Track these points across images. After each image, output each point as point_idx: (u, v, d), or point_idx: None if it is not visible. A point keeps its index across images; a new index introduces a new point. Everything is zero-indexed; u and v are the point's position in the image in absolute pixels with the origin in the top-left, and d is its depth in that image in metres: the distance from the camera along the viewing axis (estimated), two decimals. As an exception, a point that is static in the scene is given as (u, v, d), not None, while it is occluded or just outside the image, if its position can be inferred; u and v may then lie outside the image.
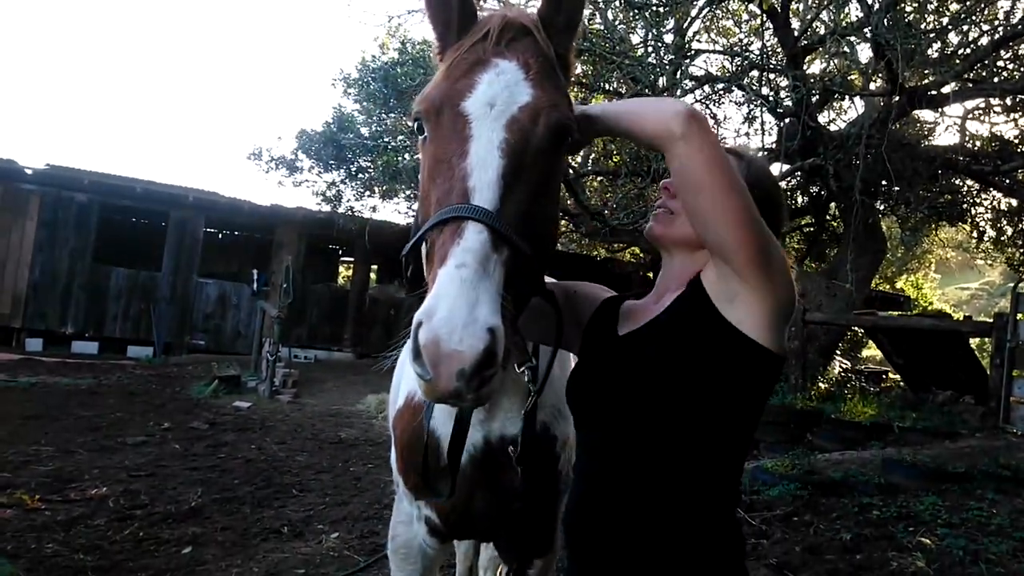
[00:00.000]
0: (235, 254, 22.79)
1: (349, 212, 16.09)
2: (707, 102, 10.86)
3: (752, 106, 10.19)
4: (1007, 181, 12.47)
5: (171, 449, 7.49)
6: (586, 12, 9.86)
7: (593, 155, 12.91)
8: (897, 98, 9.42)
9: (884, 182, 10.09)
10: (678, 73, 9.40)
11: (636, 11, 9.70)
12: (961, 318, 16.82)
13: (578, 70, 10.57)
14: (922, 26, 9.45)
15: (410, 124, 1.56)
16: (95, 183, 16.25)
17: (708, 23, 12.41)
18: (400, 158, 11.90)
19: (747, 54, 10.25)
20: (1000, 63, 10.37)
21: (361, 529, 5.40)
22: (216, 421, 9.13)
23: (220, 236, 22.65)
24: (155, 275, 17.07)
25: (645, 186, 10.33)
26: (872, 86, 11.31)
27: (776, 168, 10.22)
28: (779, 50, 10.24)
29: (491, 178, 1.28)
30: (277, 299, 14.90)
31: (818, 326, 11.65)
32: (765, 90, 10.17)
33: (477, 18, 1.51)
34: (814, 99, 10.24)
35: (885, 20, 8.08)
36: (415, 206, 1.59)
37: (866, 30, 8.67)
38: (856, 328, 16.50)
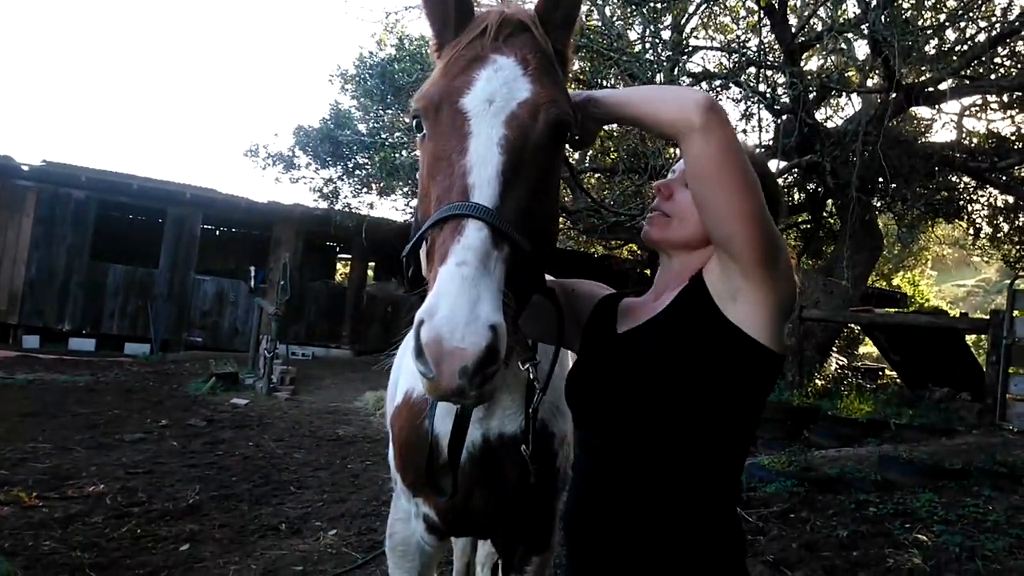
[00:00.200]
0: (233, 251, 22.77)
1: (346, 209, 16.07)
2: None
3: (749, 103, 10.19)
4: (1004, 178, 12.49)
5: (169, 446, 7.48)
6: (584, 8, 9.86)
7: (591, 152, 12.89)
8: (894, 95, 9.43)
9: (881, 179, 10.09)
10: (675, 69, 9.40)
11: (634, 7, 9.70)
12: (957, 315, 16.87)
13: (576, 66, 10.55)
14: (919, 23, 9.45)
15: (408, 120, 1.55)
16: (92, 180, 16.21)
17: (705, 19, 12.43)
18: (397, 154, 11.88)
19: (744, 51, 10.25)
20: (997, 60, 10.38)
21: (359, 526, 5.40)
22: (214, 418, 9.12)
23: (217, 233, 22.62)
24: (152, 272, 17.05)
25: (642, 183, 10.32)
26: (869, 83, 11.32)
27: (773, 165, 10.22)
28: (776, 47, 10.25)
29: (491, 175, 1.28)
30: (275, 296, 14.92)
31: (815, 323, 11.67)
32: (762, 87, 10.17)
33: (474, 14, 1.51)
34: (811, 96, 10.24)
35: (882, 17, 8.09)
36: (413, 203, 1.58)
37: (863, 27, 8.68)
38: (853, 325, 16.52)
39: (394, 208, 16.99)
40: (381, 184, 14.25)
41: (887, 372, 18.60)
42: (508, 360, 1.18)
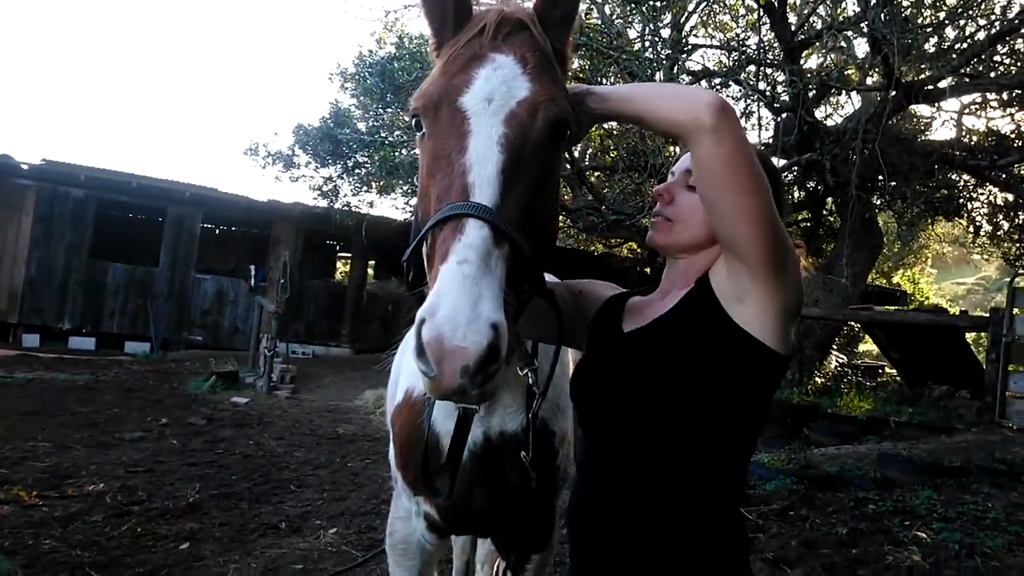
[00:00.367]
0: (232, 250, 22.77)
1: (346, 207, 16.06)
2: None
3: (749, 101, 10.18)
4: (1003, 176, 12.49)
5: (169, 445, 7.48)
6: (583, 6, 9.86)
7: (590, 150, 12.90)
8: (893, 93, 9.42)
9: (880, 177, 10.08)
10: (675, 68, 9.40)
11: (633, 5, 9.70)
12: (957, 313, 16.87)
13: (575, 65, 10.56)
14: (919, 21, 9.44)
15: (407, 119, 1.54)
16: (91, 178, 16.21)
17: (705, 18, 12.41)
18: (397, 153, 11.88)
19: (744, 49, 10.24)
20: (997, 58, 10.37)
21: (359, 524, 5.41)
22: (214, 417, 9.12)
23: (217, 232, 22.63)
24: (152, 271, 17.05)
25: (642, 181, 10.32)
26: (869, 81, 11.32)
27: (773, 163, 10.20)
28: (776, 45, 10.24)
29: (491, 173, 1.28)
30: (275, 295, 14.89)
31: (815, 321, 11.68)
32: (762, 85, 10.16)
33: (473, 13, 1.51)
34: (811, 94, 10.24)
35: (882, 14, 8.08)
36: (412, 201, 1.57)
37: (863, 24, 8.67)
38: (853, 323, 16.54)
39: (394, 206, 17.01)
40: (381, 183, 14.23)
41: (887, 370, 18.63)
42: (509, 359, 1.18)
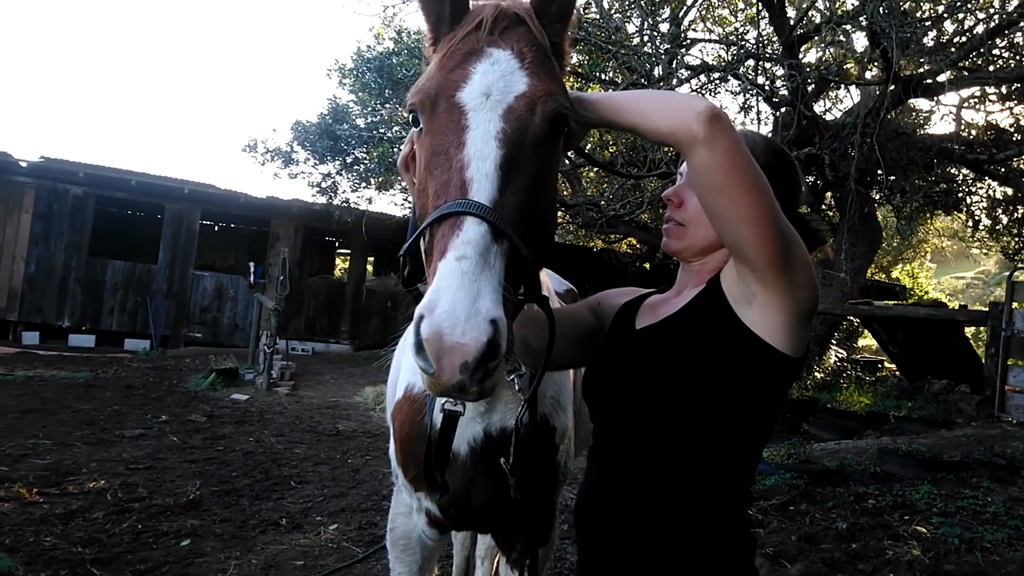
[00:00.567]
0: (231, 246, 22.76)
1: (345, 204, 16.06)
2: (703, 91, 10.84)
3: (748, 95, 10.17)
4: (1002, 170, 12.49)
5: (169, 442, 7.48)
6: (581, 1, 9.84)
7: (589, 146, 12.88)
8: (892, 87, 9.42)
9: (879, 171, 10.09)
10: (674, 62, 9.39)
11: (632, 0, 9.68)
12: (956, 307, 16.89)
13: (574, 60, 10.55)
14: (917, 14, 9.44)
15: (405, 115, 1.53)
16: (90, 176, 16.20)
17: (704, 12, 12.40)
18: (396, 149, 11.87)
19: (743, 43, 10.23)
20: (995, 52, 10.37)
21: (359, 520, 5.41)
22: (214, 414, 9.12)
23: (216, 229, 22.61)
24: (151, 268, 17.04)
25: (641, 176, 10.32)
26: (868, 75, 11.31)
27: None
28: (775, 39, 10.23)
29: (489, 169, 1.28)
30: (274, 291, 14.88)
31: (814, 316, 11.68)
32: (761, 79, 10.15)
33: (470, 8, 1.50)
34: (810, 88, 10.23)
35: (881, 8, 8.07)
36: (411, 198, 1.57)
37: (862, 18, 8.66)
38: (852, 317, 16.55)
39: (393, 203, 17.00)
40: (379, 179, 14.24)
41: (886, 364, 18.65)
42: (508, 355, 1.18)
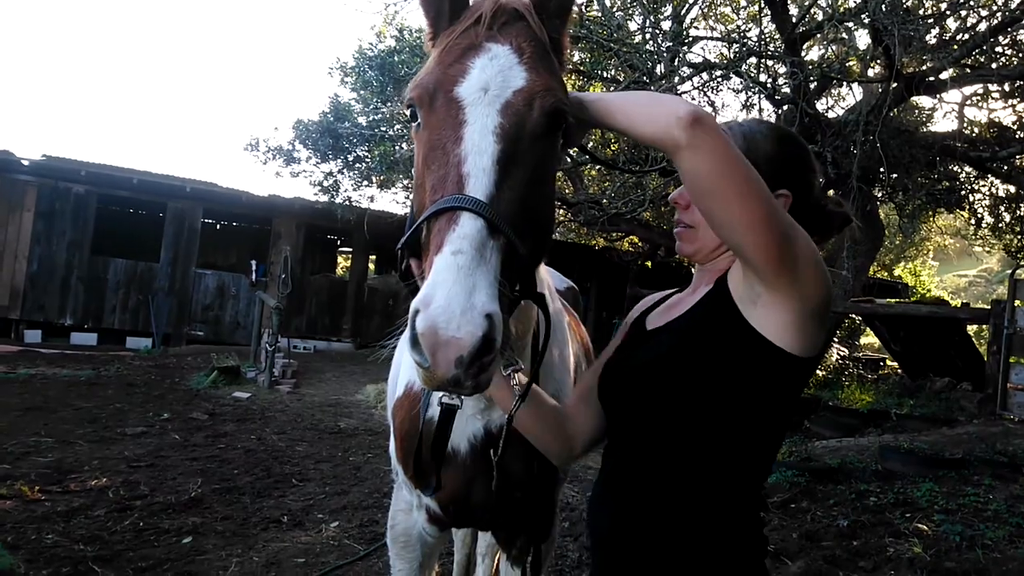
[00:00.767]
0: (233, 245, 22.79)
1: (347, 202, 16.05)
2: (705, 89, 10.83)
3: (750, 93, 10.15)
4: (1005, 168, 12.46)
5: (171, 440, 7.49)
6: (583, -1, 9.83)
7: (591, 144, 12.89)
8: (895, 84, 9.40)
9: (882, 169, 10.06)
10: (675, 60, 9.37)
11: (633, -2, 9.67)
12: (959, 305, 16.87)
13: (576, 58, 10.54)
14: (920, 12, 9.41)
15: (403, 110, 1.53)
16: (92, 174, 16.21)
17: (706, 9, 12.38)
18: (397, 147, 11.87)
19: (745, 41, 10.21)
20: (999, 49, 10.34)
21: (361, 518, 5.42)
22: (216, 411, 9.14)
23: (218, 227, 22.64)
24: (153, 266, 17.06)
25: (643, 174, 10.30)
26: (870, 72, 11.28)
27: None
28: (777, 36, 10.21)
29: (486, 164, 1.28)
30: (276, 290, 14.89)
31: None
32: (763, 77, 10.13)
33: (469, 3, 1.50)
34: (812, 86, 10.21)
35: (883, 5, 8.05)
36: (413, 196, 1.56)
37: (864, 16, 8.64)
38: (854, 315, 16.54)
39: (395, 201, 16.98)
40: (381, 177, 14.23)
41: (888, 362, 18.65)
42: (504, 350, 1.18)
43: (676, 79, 9.44)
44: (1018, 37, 10.49)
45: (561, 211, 15.24)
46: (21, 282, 15.71)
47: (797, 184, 1.60)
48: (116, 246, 17.72)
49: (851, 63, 11.56)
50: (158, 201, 17.33)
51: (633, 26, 10.43)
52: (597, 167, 13.83)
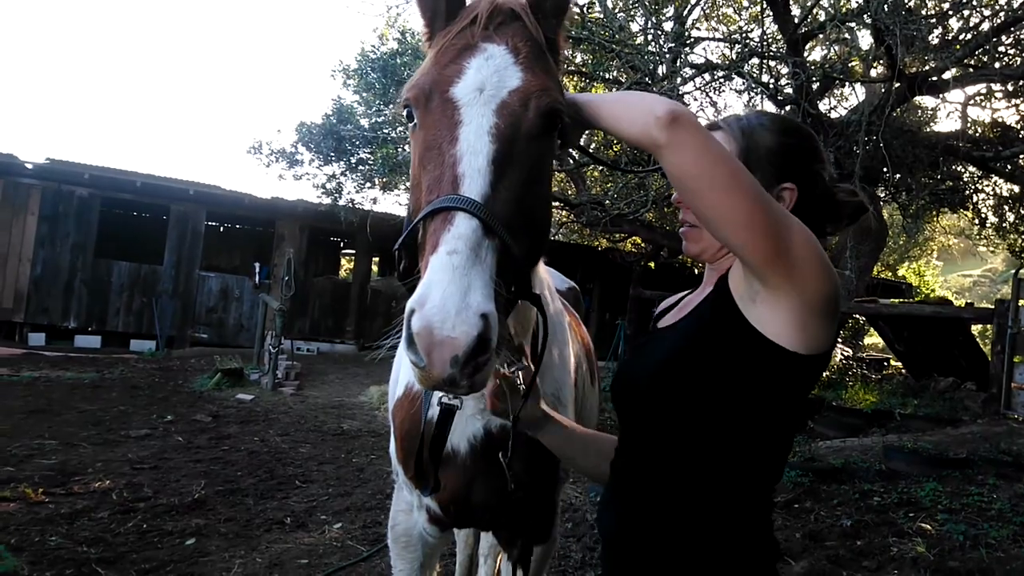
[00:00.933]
0: (237, 247, 22.83)
1: (350, 204, 16.07)
2: (707, 90, 10.83)
3: (752, 94, 10.14)
4: (1008, 167, 12.43)
5: (174, 442, 7.51)
6: (584, 0, 9.84)
7: (593, 144, 12.89)
8: (897, 84, 9.38)
9: (885, 169, 10.05)
10: (677, 61, 9.37)
11: (635, -1, 9.67)
12: (963, 305, 16.83)
13: (578, 59, 10.55)
14: (922, 11, 9.40)
15: (400, 110, 1.53)
16: (96, 177, 16.25)
17: (708, 10, 12.38)
18: (400, 149, 11.88)
19: (747, 41, 10.21)
20: (1001, 48, 10.32)
21: (364, 519, 5.43)
22: (219, 414, 9.15)
23: (221, 229, 22.68)
24: (157, 269, 17.10)
25: (645, 175, 10.30)
26: (873, 72, 11.26)
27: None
28: (779, 37, 10.20)
29: (481, 164, 1.28)
30: (279, 292, 14.92)
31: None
32: (765, 77, 10.12)
33: (465, 3, 1.50)
34: (814, 86, 10.20)
35: (885, 5, 8.04)
36: (409, 196, 1.56)
37: (866, 16, 8.63)
38: (857, 316, 16.51)
39: (397, 203, 16.98)
40: (384, 179, 14.23)
41: (892, 362, 18.61)
42: (499, 350, 1.18)
43: (678, 80, 9.44)
44: (1021, 36, 10.47)
45: (564, 212, 15.24)
46: (25, 285, 15.75)
47: (803, 175, 1.57)
48: (120, 249, 17.76)
49: (853, 63, 11.55)
50: (162, 204, 17.37)
51: (635, 27, 10.44)
52: (600, 168, 13.82)
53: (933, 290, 27.57)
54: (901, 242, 22.89)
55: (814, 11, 10.42)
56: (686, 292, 1.88)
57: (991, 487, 6.08)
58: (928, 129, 13.01)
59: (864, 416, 9.79)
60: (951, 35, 10.07)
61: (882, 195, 13.17)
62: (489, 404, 1.70)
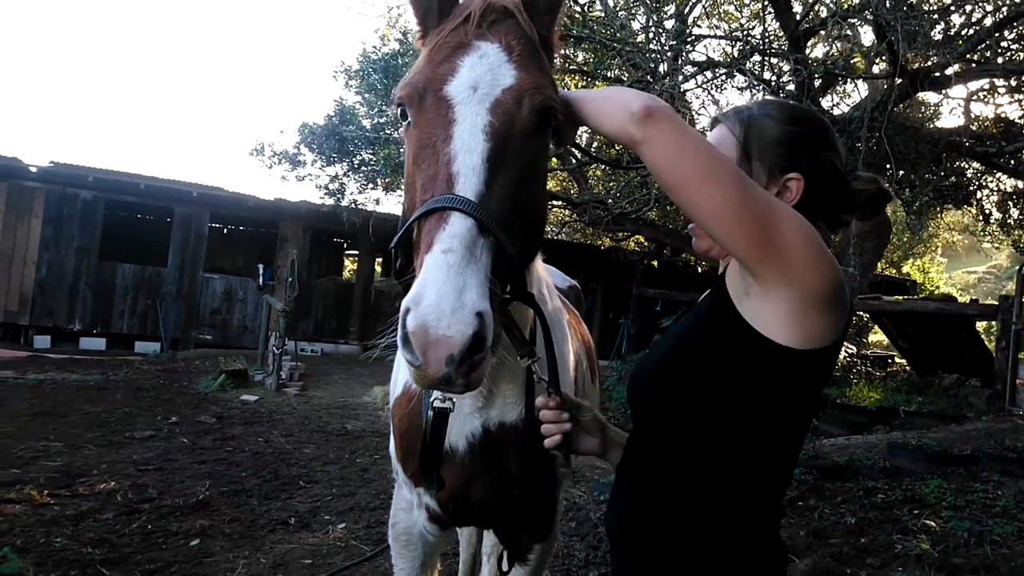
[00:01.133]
0: (240, 249, 22.85)
1: (353, 205, 16.08)
2: (708, 87, 10.81)
3: (754, 91, 10.11)
4: (1012, 163, 12.39)
5: (179, 443, 7.53)
6: (585, -1, 9.84)
7: (596, 143, 12.88)
8: (899, 80, 9.36)
9: (888, 166, 10.02)
10: (679, 59, 9.36)
11: (636, -3, 9.67)
12: (968, 301, 16.78)
13: (579, 58, 10.54)
14: (924, 7, 9.37)
15: (395, 111, 1.53)
16: (99, 180, 16.28)
17: (709, 8, 12.36)
18: (401, 150, 11.86)
19: (748, 38, 10.19)
20: (1004, 43, 10.28)
21: (367, 519, 5.44)
22: (223, 415, 9.17)
23: (225, 231, 22.71)
24: (161, 271, 17.13)
25: (648, 173, 10.28)
26: (875, 69, 11.24)
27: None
28: (781, 34, 10.18)
29: (476, 162, 1.28)
30: (283, 293, 14.94)
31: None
32: (767, 75, 10.10)
33: (458, 1, 1.51)
34: (816, 83, 10.17)
35: (887, 1, 8.02)
36: (404, 194, 1.57)
37: (867, 12, 8.61)
38: (861, 313, 16.47)
39: (400, 203, 16.91)
40: (386, 180, 14.25)
41: (896, 359, 18.57)
42: (495, 348, 1.18)
43: (680, 78, 9.43)
44: (1024, 31, 10.44)
45: (566, 211, 15.23)
46: (30, 288, 15.79)
47: (811, 164, 1.52)
48: (124, 251, 17.79)
49: (855, 60, 11.52)
50: (165, 206, 17.40)
51: (636, 25, 10.43)
52: (602, 167, 13.81)
53: (937, 287, 27.50)
54: (905, 239, 22.82)
55: (816, 8, 10.40)
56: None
57: (996, 484, 6.07)
58: (931, 125, 12.97)
59: (868, 413, 9.77)
60: (953, 30, 10.04)
61: (885, 192, 13.12)
62: (555, 442, 1.63)
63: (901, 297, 17.50)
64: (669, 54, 9.34)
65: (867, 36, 11.69)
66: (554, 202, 14.40)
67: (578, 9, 9.07)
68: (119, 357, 14.64)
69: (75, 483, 5.88)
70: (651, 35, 9.97)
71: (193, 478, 6.27)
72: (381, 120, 14.09)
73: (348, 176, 15.93)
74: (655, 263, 19.25)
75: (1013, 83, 11.33)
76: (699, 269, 18.37)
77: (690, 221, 1.67)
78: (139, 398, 10.01)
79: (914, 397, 11.05)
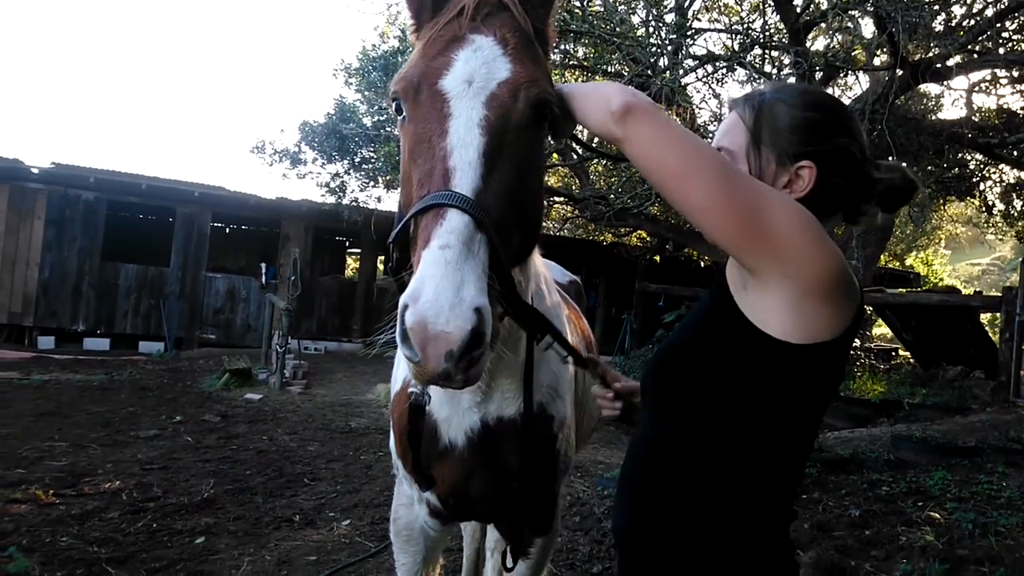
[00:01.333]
0: (242, 248, 22.88)
1: (354, 203, 16.08)
2: (709, 81, 10.79)
3: (755, 85, 10.09)
4: (1015, 153, 12.34)
5: (183, 442, 7.54)
6: (584, -6, 9.81)
7: (596, 138, 12.87)
8: (900, 72, 9.33)
9: (890, 158, 9.99)
10: (679, 53, 9.34)
11: (636, -9, 9.64)
12: (971, 293, 16.74)
13: (579, 53, 10.52)
14: (925, -2, 9.33)
15: (389, 103, 1.53)
16: (101, 181, 16.32)
17: (709, 2, 12.33)
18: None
19: (749, 31, 10.16)
20: (1005, 34, 10.24)
21: (372, 516, 5.45)
22: (228, 413, 9.18)
23: (227, 230, 22.74)
24: (164, 271, 17.16)
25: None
26: (876, 61, 11.21)
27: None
28: (781, 27, 10.16)
29: (472, 157, 1.28)
30: (286, 292, 14.95)
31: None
32: (768, 68, 10.07)
33: None
34: (817, 76, 10.14)
35: (887, -7, 7.98)
36: (400, 189, 1.57)
37: (867, 3, 8.58)
38: (865, 305, 16.44)
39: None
40: (388, 178, 14.24)
41: (900, 352, 18.54)
42: (493, 343, 1.18)
43: (680, 72, 9.41)
44: (1025, 21, 10.39)
45: (568, 207, 15.21)
46: (33, 289, 15.83)
47: (825, 152, 1.44)
48: (126, 251, 17.82)
49: (856, 52, 11.49)
50: (167, 206, 17.43)
51: (636, 20, 10.41)
52: (604, 162, 13.79)
53: (941, 279, 27.46)
54: (908, 231, 22.76)
55: (816, 0, 10.38)
56: None
57: (1000, 475, 6.06)
58: (933, 117, 12.93)
59: (872, 406, 9.77)
60: (954, 21, 10.01)
61: (888, 184, 13.08)
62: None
63: (904, 289, 17.45)
64: (669, 48, 9.32)
65: (868, 28, 11.64)
66: (556, 198, 14.39)
67: (577, 4, 9.04)
68: (123, 357, 14.66)
69: (80, 483, 5.90)
70: (651, 29, 9.95)
71: (198, 476, 6.28)
72: (381, 118, 14.07)
73: (349, 174, 15.92)
74: (657, 258, 19.23)
75: (1015, 73, 11.30)
76: (702, 264, 18.34)
77: None
78: (143, 398, 10.04)
79: (918, 389, 11.03)
